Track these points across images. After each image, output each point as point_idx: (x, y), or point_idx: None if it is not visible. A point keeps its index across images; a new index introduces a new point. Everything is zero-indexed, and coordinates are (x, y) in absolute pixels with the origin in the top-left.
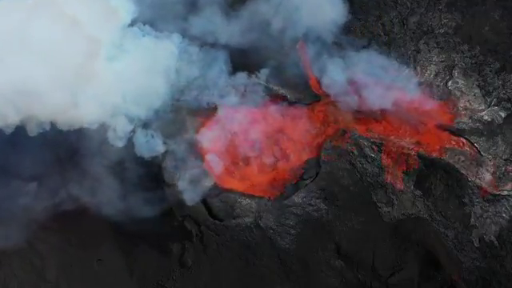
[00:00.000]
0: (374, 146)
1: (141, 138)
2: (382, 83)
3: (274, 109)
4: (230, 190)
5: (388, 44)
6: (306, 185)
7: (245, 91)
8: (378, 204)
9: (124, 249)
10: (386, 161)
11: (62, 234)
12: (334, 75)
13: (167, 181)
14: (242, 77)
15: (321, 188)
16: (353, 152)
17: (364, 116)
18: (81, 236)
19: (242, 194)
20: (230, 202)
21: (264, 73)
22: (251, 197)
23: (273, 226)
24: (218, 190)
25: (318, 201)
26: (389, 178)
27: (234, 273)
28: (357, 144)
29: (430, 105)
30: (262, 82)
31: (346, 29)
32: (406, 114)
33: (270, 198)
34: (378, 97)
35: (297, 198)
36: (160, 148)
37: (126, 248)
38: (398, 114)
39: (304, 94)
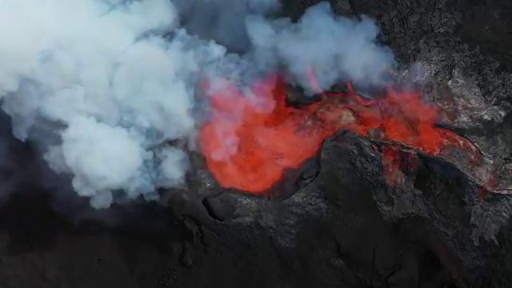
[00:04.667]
0: (374, 146)
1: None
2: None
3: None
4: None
5: (388, 43)
6: (306, 184)
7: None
8: (378, 203)
9: (124, 249)
10: (385, 160)
11: (63, 233)
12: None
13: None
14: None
15: (321, 187)
16: (353, 152)
17: (364, 116)
18: (81, 236)
19: (243, 194)
20: (230, 202)
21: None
22: (251, 196)
23: (273, 226)
24: (218, 189)
25: (318, 200)
26: (389, 178)
27: (234, 272)
28: (357, 144)
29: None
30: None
31: None
32: (405, 113)
33: (269, 197)
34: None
35: (297, 198)
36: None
37: (126, 248)
38: (397, 114)
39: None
